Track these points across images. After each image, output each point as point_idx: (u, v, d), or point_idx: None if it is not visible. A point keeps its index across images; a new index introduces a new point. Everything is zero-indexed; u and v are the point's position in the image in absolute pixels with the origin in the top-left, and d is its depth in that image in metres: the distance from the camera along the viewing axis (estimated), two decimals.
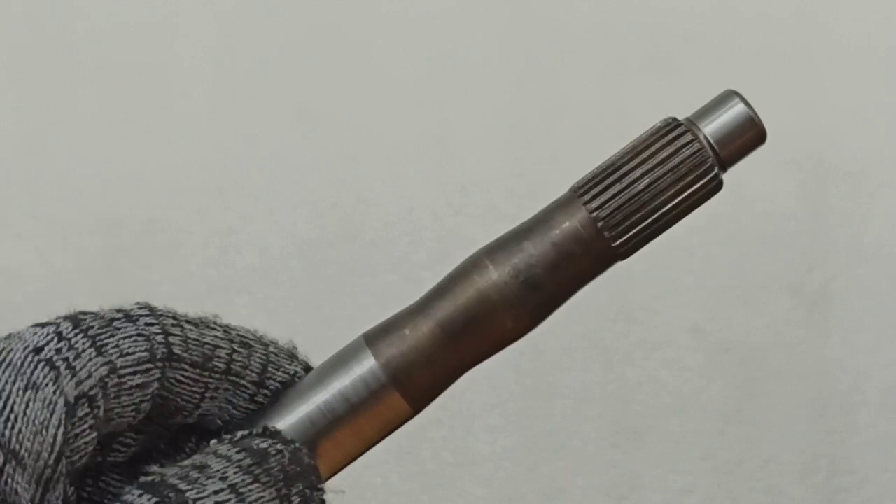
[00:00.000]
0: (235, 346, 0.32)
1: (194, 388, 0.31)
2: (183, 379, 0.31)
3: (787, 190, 0.70)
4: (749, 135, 0.33)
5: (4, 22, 0.74)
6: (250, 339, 0.32)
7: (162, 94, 0.73)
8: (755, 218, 0.70)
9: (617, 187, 0.33)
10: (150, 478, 0.29)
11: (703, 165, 0.32)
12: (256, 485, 0.30)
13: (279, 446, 0.31)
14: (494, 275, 0.32)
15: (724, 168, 0.33)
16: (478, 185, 0.71)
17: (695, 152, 0.32)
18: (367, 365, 0.31)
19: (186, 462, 0.30)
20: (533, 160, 0.72)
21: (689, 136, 0.32)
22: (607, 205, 0.33)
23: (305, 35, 0.72)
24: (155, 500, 0.28)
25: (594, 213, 0.32)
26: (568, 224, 0.32)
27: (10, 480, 0.28)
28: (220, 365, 0.31)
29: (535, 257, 0.32)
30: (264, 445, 0.30)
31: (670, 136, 0.33)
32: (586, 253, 0.33)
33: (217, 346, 0.32)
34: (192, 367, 0.31)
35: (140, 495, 0.28)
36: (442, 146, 0.72)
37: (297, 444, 0.31)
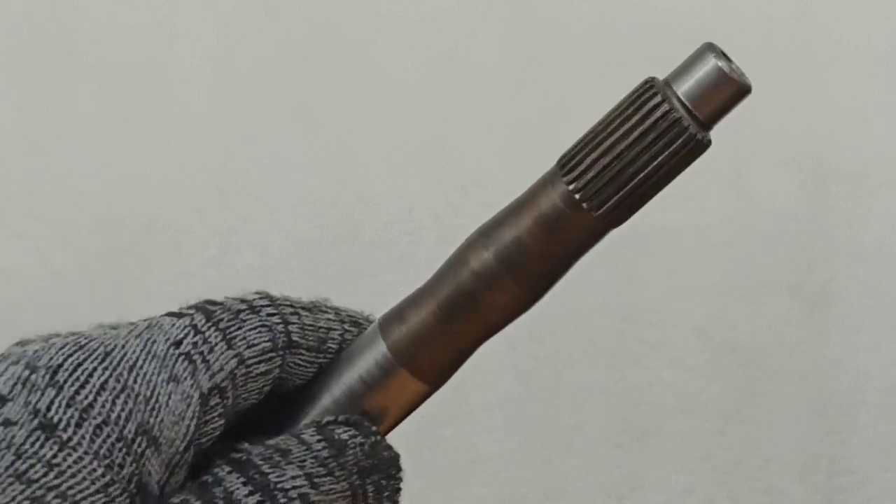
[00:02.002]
0: (346, 327, 0.34)
1: (309, 369, 0.34)
2: (300, 362, 0.34)
3: (787, 190, 0.70)
4: (726, 91, 0.32)
5: (4, 22, 0.74)
6: (359, 318, 0.35)
7: (162, 94, 0.73)
8: (756, 218, 0.70)
9: (592, 157, 0.32)
10: (239, 455, 0.32)
11: (673, 129, 0.32)
12: (330, 477, 0.32)
13: (360, 439, 0.33)
14: (485, 253, 0.33)
15: (704, 127, 0.32)
16: (478, 185, 0.71)
17: (663, 115, 0.32)
18: (378, 347, 0.34)
19: (271, 443, 0.33)
20: (533, 160, 0.72)
21: (658, 99, 0.32)
22: (583, 176, 0.32)
23: (305, 35, 0.72)
24: (242, 479, 0.31)
25: (571, 186, 0.32)
26: (547, 199, 0.33)
27: (146, 463, 0.30)
28: (333, 346, 0.34)
29: (521, 233, 0.33)
30: (345, 437, 0.33)
31: (641, 100, 0.32)
32: (569, 226, 0.33)
33: (330, 329, 0.34)
34: (309, 352, 0.34)
35: (230, 472, 0.32)
36: (442, 146, 0.72)
37: (377, 437, 0.33)
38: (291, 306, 0.34)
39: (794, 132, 0.70)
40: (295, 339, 0.34)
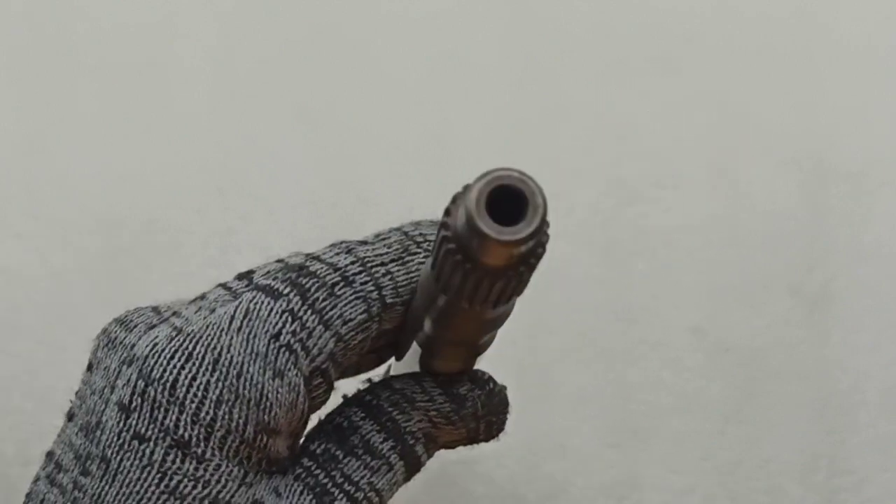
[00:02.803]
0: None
1: (402, 318, 0.36)
2: (396, 317, 0.36)
3: (787, 190, 0.70)
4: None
5: (4, 22, 0.74)
6: None
7: (162, 94, 0.73)
8: (755, 218, 0.70)
9: None
10: (369, 398, 0.35)
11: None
12: (451, 426, 0.35)
13: (477, 391, 0.36)
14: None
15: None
16: None
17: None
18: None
19: (397, 387, 0.35)
20: (533, 160, 0.71)
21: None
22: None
23: (305, 35, 0.72)
24: (376, 426, 0.35)
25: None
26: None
27: (273, 447, 0.33)
28: None
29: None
30: (464, 391, 0.36)
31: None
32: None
33: (421, 267, 0.36)
34: (403, 306, 0.36)
35: (364, 418, 0.35)
36: (442, 146, 0.72)
37: (491, 386, 0.37)
38: (382, 264, 0.36)
39: (794, 132, 0.70)
40: (389, 301, 0.35)
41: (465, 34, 0.72)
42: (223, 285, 0.37)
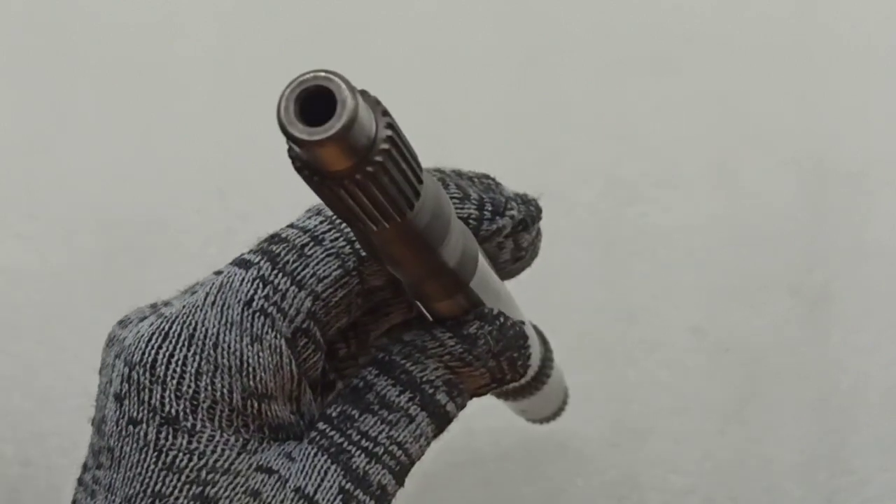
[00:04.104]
0: None
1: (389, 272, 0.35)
2: (378, 270, 0.35)
3: (787, 190, 0.70)
4: None
5: (4, 22, 0.74)
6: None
7: (162, 94, 0.73)
8: (755, 218, 0.70)
9: None
10: (382, 356, 0.35)
11: None
12: (468, 368, 0.35)
13: (487, 328, 0.35)
14: None
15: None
16: None
17: None
18: None
19: (408, 339, 0.35)
20: (533, 160, 0.72)
21: None
22: None
23: (306, 35, 0.72)
24: (391, 381, 0.34)
25: None
26: None
27: (269, 412, 0.33)
28: None
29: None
30: (473, 330, 0.35)
31: None
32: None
33: None
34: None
35: (377, 375, 0.34)
36: (442, 146, 0.72)
37: (501, 321, 0.36)
38: None
39: (794, 132, 0.70)
40: (364, 254, 0.35)
41: (464, 34, 0.72)
42: (216, 272, 0.37)
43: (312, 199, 0.78)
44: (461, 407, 0.36)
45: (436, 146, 0.72)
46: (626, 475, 0.72)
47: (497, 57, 0.71)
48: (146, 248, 0.72)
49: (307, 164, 0.29)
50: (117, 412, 0.34)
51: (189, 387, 0.33)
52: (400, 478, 0.34)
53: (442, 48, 0.72)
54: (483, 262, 0.36)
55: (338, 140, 0.28)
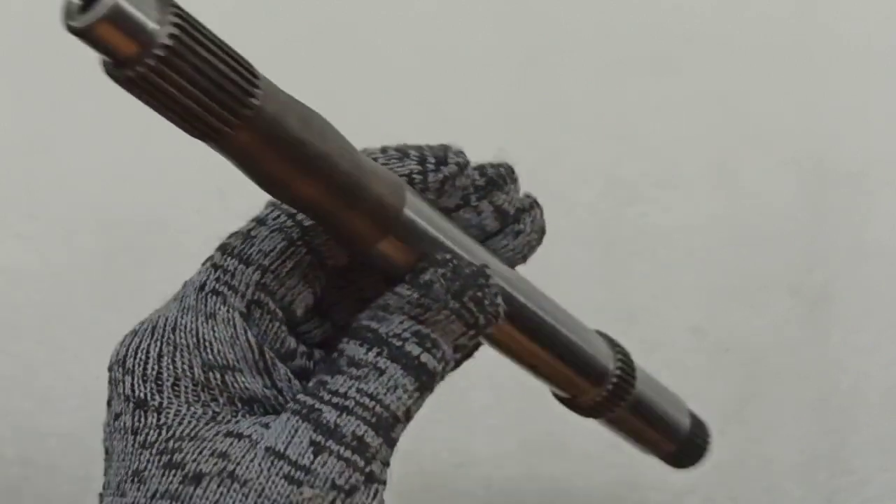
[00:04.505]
0: None
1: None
2: (326, 235, 0.37)
3: (787, 190, 0.70)
4: None
5: (4, 22, 0.74)
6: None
7: None
8: (755, 218, 0.70)
9: None
10: (354, 324, 0.36)
11: None
12: (430, 312, 0.36)
13: (440, 270, 0.36)
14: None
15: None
16: None
17: None
18: None
19: (374, 304, 0.36)
20: (533, 160, 0.72)
21: None
22: None
23: (306, 34, 0.72)
24: (358, 342, 0.35)
25: None
26: None
27: (235, 384, 0.35)
28: None
29: None
30: (427, 276, 0.36)
31: None
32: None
33: None
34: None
35: (348, 341, 0.36)
36: None
37: (453, 262, 0.37)
38: None
39: (794, 132, 0.70)
40: (307, 224, 0.37)
41: (465, 34, 0.72)
42: None
43: None
44: (443, 359, 0.36)
45: None
46: (626, 475, 0.72)
47: (497, 57, 0.71)
48: (146, 248, 0.72)
49: (108, 64, 0.31)
50: (107, 415, 0.36)
51: (153, 369, 0.35)
52: (379, 429, 0.34)
53: (442, 48, 0.72)
54: (423, 206, 0.38)
55: (109, 20, 0.30)
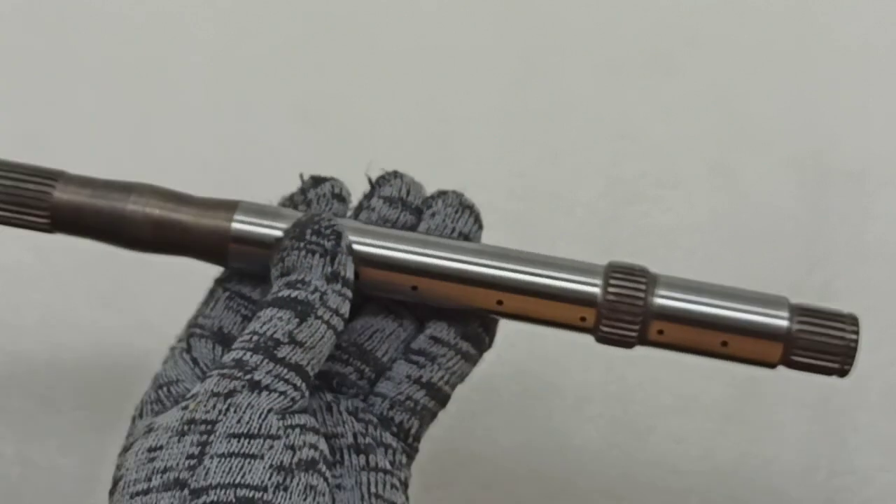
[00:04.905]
0: None
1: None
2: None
3: (787, 190, 0.70)
4: None
5: (4, 22, 0.74)
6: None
7: (162, 94, 0.73)
8: (755, 218, 0.70)
9: None
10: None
11: None
12: (284, 253, 0.46)
13: (287, 231, 0.48)
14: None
15: None
16: (478, 184, 0.71)
17: None
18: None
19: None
20: (533, 160, 0.72)
21: None
22: None
23: (306, 34, 0.72)
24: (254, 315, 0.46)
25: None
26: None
27: (177, 390, 0.46)
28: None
29: None
30: (281, 241, 0.47)
31: None
32: None
33: None
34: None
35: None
36: (442, 146, 0.72)
37: (294, 222, 0.49)
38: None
39: (794, 131, 0.70)
40: (222, 276, 0.51)
41: (465, 34, 0.72)
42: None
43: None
44: (315, 291, 0.44)
45: (436, 146, 0.72)
46: (626, 475, 0.72)
47: (497, 57, 0.71)
48: None
49: None
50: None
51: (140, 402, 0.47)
52: (258, 350, 0.42)
53: (441, 48, 0.72)
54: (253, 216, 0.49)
55: None
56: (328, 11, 0.72)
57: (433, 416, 0.47)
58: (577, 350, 0.70)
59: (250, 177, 0.72)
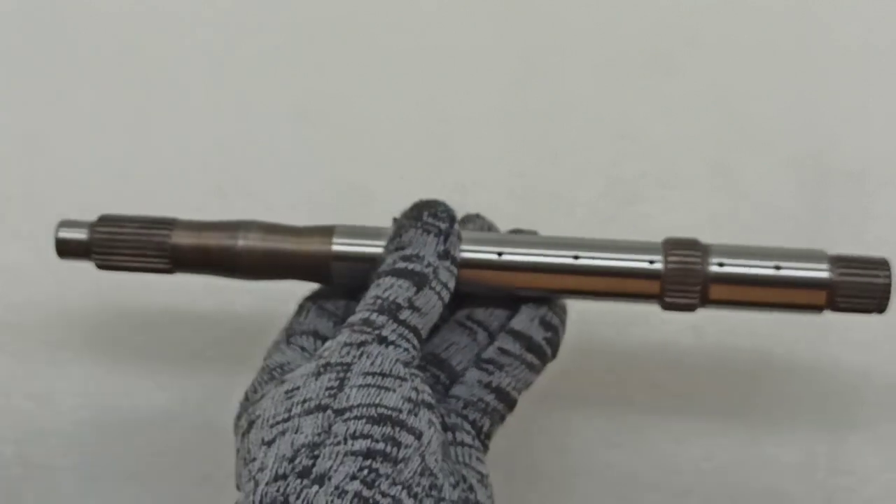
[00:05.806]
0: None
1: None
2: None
3: (787, 190, 0.70)
4: None
5: (4, 21, 0.74)
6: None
7: (162, 93, 0.73)
8: (755, 218, 0.70)
9: None
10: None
11: None
12: (402, 230, 0.52)
13: (400, 218, 0.53)
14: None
15: None
16: (478, 185, 0.71)
17: None
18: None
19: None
20: (533, 160, 0.72)
21: None
22: None
23: (306, 34, 0.72)
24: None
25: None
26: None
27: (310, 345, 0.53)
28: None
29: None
30: (396, 223, 0.53)
31: None
32: None
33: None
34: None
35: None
36: (442, 146, 0.72)
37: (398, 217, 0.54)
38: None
39: (794, 131, 0.70)
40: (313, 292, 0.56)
41: (465, 34, 0.72)
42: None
43: (312, 199, 0.78)
44: (429, 265, 0.49)
45: (436, 146, 0.72)
46: (626, 475, 0.72)
47: (497, 57, 0.71)
48: None
49: None
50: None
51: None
52: (383, 311, 0.48)
53: (442, 48, 0.72)
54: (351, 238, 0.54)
55: None
56: (328, 11, 0.72)
57: (502, 418, 0.52)
58: (577, 350, 0.70)
59: (250, 177, 0.72)
